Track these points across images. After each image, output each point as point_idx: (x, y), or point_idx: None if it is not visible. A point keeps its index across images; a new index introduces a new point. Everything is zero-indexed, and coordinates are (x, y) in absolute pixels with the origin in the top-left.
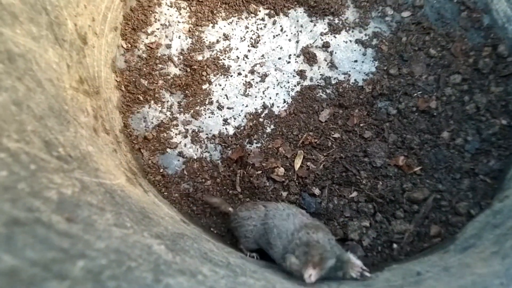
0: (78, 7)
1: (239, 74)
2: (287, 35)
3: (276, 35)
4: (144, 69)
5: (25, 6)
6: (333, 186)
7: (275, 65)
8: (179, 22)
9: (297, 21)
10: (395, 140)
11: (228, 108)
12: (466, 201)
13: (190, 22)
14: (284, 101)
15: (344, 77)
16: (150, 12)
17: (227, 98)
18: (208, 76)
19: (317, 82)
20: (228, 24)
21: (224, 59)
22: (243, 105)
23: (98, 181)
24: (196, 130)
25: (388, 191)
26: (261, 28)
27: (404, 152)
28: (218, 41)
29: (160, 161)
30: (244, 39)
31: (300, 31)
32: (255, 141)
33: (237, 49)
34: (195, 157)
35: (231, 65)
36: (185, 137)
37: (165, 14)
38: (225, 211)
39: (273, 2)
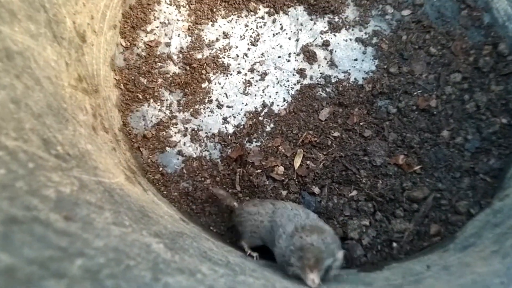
0: (76, 5)
1: (239, 72)
2: (287, 34)
3: (276, 34)
4: (144, 68)
5: (23, 4)
6: (333, 185)
7: (275, 64)
8: (178, 20)
9: (297, 19)
10: (395, 139)
11: (227, 106)
12: (466, 200)
13: (189, 20)
14: (284, 100)
15: (344, 76)
16: (149, 10)
17: (227, 97)
18: (207, 74)
19: (317, 81)
20: (228, 22)
21: (224, 58)
22: (242, 103)
23: (97, 179)
24: (196, 129)
25: (388, 190)
26: (260, 27)
27: (404, 151)
28: (217, 40)
29: (159, 160)
30: (244, 38)
31: (300, 30)
32: (254, 139)
33: (236, 47)
34: (195, 156)
35: (230, 64)
36: (185, 135)
37: (165, 12)
38: (230, 205)
39: (273, 0)
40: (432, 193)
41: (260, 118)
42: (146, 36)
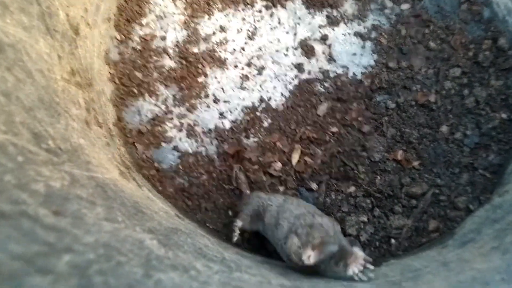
0: None
1: (236, 66)
2: (284, 28)
3: (274, 28)
4: (139, 62)
5: None
6: (331, 181)
7: (273, 58)
8: (174, 13)
9: (295, 13)
10: (394, 134)
11: (224, 101)
12: (465, 196)
13: (185, 13)
14: (282, 95)
15: (343, 71)
16: (145, 3)
17: (223, 91)
18: (204, 68)
19: (315, 76)
20: (225, 16)
21: (221, 52)
22: (239, 98)
23: (90, 174)
24: (192, 124)
25: (386, 186)
26: (258, 20)
27: (403, 147)
28: (214, 33)
29: (154, 155)
30: (241, 31)
31: (298, 24)
32: (252, 135)
33: (233, 41)
34: (191, 152)
35: (227, 58)
36: (180, 131)
37: (160, 5)
38: (244, 191)
39: None
40: (431, 189)
41: (258, 113)
42: (141, 30)
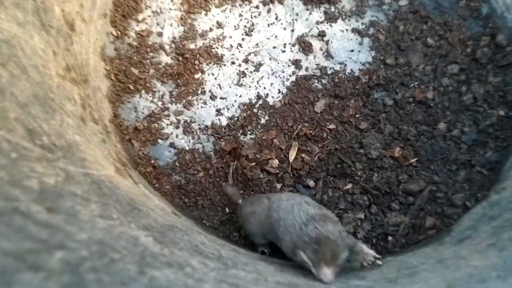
0: None
1: (233, 63)
2: (282, 24)
3: (271, 24)
4: (135, 58)
5: None
6: (328, 178)
7: (270, 54)
8: (170, 9)
9: (292, 9)
10: (391, 131)
11: (221, 98)
12: (462, 193)
13: (182, 9)
14: (279, 91)
15: (340, 67)
16: None
17: (220, 88)
18: (200, 65)
19: (313, 72)
20: (222, 11)
21: (217, 48)
22: (236, 95)
23: (85, 171)
24: (188, 121)
25: (383, 183)
26: (255, 16)
27: (400, 144)
28: (211, 29)
29: (151, 152)
30: (238, 27)
31: (296, 20)
32: (249, 132)
33: (230, 37)
34: (187, 148)
35: (224, 54)
36: (177, 127)
37: (157, 0)
38: (236, 202)
39: None
40: (428, 186)
41: (255, 110)
42: (137, 26)
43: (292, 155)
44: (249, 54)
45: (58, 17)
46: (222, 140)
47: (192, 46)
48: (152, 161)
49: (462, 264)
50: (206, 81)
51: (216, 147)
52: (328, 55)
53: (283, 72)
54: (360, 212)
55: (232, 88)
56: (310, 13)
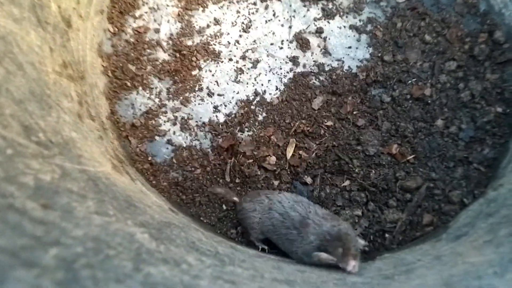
0: None
1: (230, 60)
2: (279, 20)
3: (269, 20)
4: (132, 54)
5: None
6: (325, 175)
7: (267, 51)
8: (168, 5)
9: (290, 5)
10: (389, 128)
11: (218, 95)
12: (459, 190)
13: (179, 5)
14: (277, 88)
15: (338, 64)
16: None
17: (218, 85)
18: (198, 61)
19: (310, 69)
20: (219, 8)
21: (215, 44)
22: (234, 92)
23: (81, 168)
24: (186, 118)
25: (381, 180)
26: (253, 13)
27: (398, 140)
28: (208, 26)
29: (148, 149)
30: (236, 24)
31: (293, 16)
32: (246, 129)
33: (228, 34)
34: (185, 145)
35: (222, 51)
36: (174, 124)
37: None
38: (231, 200)
39: None
40: (425, 183)
41: (252, 107)
42: (134, 22)
43: (289, 152)
44: (247, 50)
45: (54, 13)
46: (219, 137)
47: (189, 42)
48: (149, 158)
49: (459, 260)
50: (203, 77)
51: (214, 144)
52: (325, 52)
53: (281, 69)
54: (357, 209)
55: (229, 85)
56: (308, 10)
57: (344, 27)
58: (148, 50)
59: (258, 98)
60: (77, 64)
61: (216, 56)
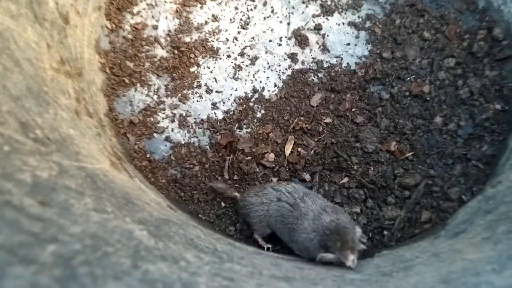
0: None
1: (229, 56)
2: (278, 17)
3: (267, 17)
4: (130, 51)
5: None
6: (324, 172)
7: (266, 48)
8: (165, 2)
9: (289, 2)
10: (387, 125)
11: (217, 91)
12: (458, 187)
13: (177, 2)
14: (275, 85)
15: (336, 61)
16: None
17: (216, 82)
18: (196, 58)
19: (309, 66)
20: (217, 4)
21: (213, 41)
22: (232, 88)
23: (79, 165)
24: (184, 114)
25: (379, 177)
26: (251, 9)
27: (396, 138)
28: (206, 22)
29: (146, 146)
30: (234, 21)
31: (292, 13)
32: (244, 126)
33: (226, 30)
34: (183, 142)
35: (220, 47)
36: (173, 121)
37: None
38: (232, 196)
39: None
40: (424, 180)
41: (251, 104)
42: (132, 18)
43: (288, 149)
44: (245, 47)
45: (52, 9)
46: (218, 134)
47: (187, 39)
48: (148, 155)
49: (457, 257)
50: (201, 74)
51: (212, 141)
52: (324, 49)
53: (279, 65)
54: (356, 206)
55: (228, 82)
56: (307, 6)
57: (343, 23)
58: (146, 47)
59: (256, 95)
60: (74, 60)
61: (214, 53)
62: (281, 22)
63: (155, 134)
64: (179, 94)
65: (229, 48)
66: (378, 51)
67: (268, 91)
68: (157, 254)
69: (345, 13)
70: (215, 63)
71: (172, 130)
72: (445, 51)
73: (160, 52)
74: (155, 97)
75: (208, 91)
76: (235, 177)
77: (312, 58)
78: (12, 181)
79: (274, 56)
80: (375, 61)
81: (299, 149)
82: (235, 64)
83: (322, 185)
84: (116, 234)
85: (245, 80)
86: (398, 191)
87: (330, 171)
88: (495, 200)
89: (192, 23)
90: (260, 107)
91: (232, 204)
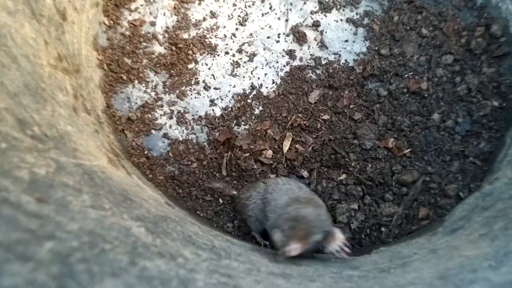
0: None
1: (227, 53)
2: (276, 13)
3: (265, 13)
4: (128, 47)
5: None
6: (322, 169)
7: (264, 44)
8: None
9: None
10: (385, 122)
11: (215, 88)
12: (455, 184)
13: None
14: (273, 82)
15: (335, 57)
16: None
17: (214, 78)
18: (194, 55)
19: (307, 62)
20: (215, 1)
21: (211, 38)
22: (230, 85)
23: (76, 161)
24: (182, 111)
25: (377, 174)
26: (249, 6)
27: (394, 134)
28: (204, 19)
29: (144, 143)
30: (232, 17)
31: (290, 9)
32: (243, 122)
33: (224, 27)
34: (181, 139)
35: (218, 44)
36: (170, 118)
37: None
38: (230, 194)
39: None
40: (422, 177)
41: (249, 101)
42: (130, 15)
43: (286, 145)
44: (243, 44)
45: (49, 6)
46: (216, 130)
47: (185, 35)
48: (146, 152)
49: (454, 254)
50: (199, 71)
51: (210, 138)
52: (322, 45)
53: (277, 62)
54: (353, 202)
55: (226, 79)
56: (305, 3)
57: (341, 20)
58: (144, 43)
59: (254, 92)
60: (72, 57)
61: (212, 50)
62: (279, 18)
63: (153, 131)
64: (177, 91)
65: (227, 44)
66: (376, 48)
67: (266, 87)
68: (155, 251)
69: (343, 10)
70: (213, 59)
71: (170, 127)
72: (443, 48)
73: (158, 49)
74: (153, 93)
75: (206, 87)
76: (233, 174)
77: (310, 54)
78: (9, 178)
79: (272, 53)
80: (373, 58)
81: (297, 145)
82: (233, 60)
83: (320, 181)
84: (114, 231)
85: (243, 77)
86: (396, 188)
87: (328, 167)
88: (492, 197)
89: (190, 19)
90: (258, 103)
91: (230, 201)
